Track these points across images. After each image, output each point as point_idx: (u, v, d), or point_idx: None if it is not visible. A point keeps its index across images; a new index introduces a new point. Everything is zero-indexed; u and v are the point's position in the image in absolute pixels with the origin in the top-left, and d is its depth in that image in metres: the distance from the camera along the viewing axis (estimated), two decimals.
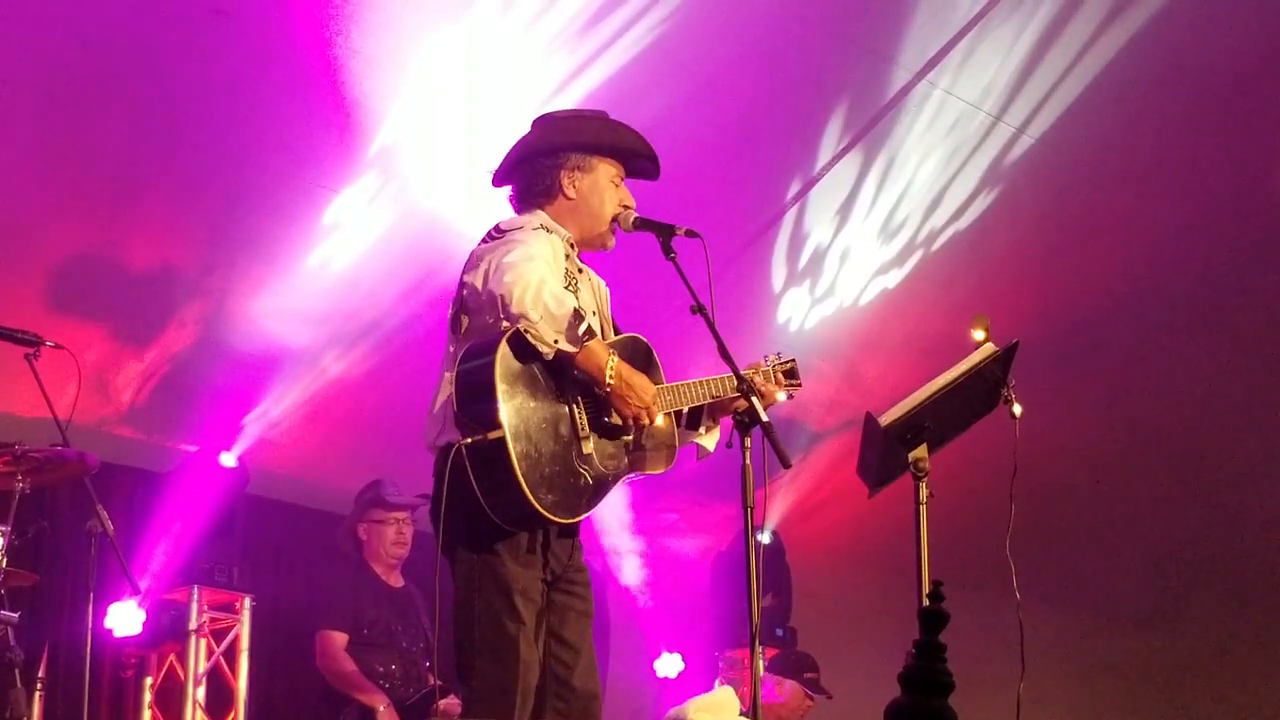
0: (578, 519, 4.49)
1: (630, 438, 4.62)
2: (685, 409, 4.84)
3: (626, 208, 4.86)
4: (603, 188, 4.85)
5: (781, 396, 5.08)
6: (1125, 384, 10.36)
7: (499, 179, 4.96)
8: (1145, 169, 8.81)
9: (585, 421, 4.49)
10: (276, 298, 8.34)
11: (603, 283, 4.97)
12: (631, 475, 4.70)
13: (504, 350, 4.32)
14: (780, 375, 5.06)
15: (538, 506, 4.28)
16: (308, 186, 7.95)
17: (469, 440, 4.28)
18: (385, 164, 7.84)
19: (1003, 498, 4.97)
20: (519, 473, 4.24)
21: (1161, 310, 9.70)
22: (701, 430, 4.95)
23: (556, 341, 4.30)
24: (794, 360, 5.19)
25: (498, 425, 4.25)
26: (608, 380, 4.39)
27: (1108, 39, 8.02)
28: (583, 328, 4.31)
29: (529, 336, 4.29)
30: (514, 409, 4.30)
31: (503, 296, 4.29)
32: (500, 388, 4.28)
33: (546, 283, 4.34)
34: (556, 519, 4.36)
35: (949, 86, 8.19)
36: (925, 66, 8.02)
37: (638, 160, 4.97)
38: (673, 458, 4.81)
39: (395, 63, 7.36)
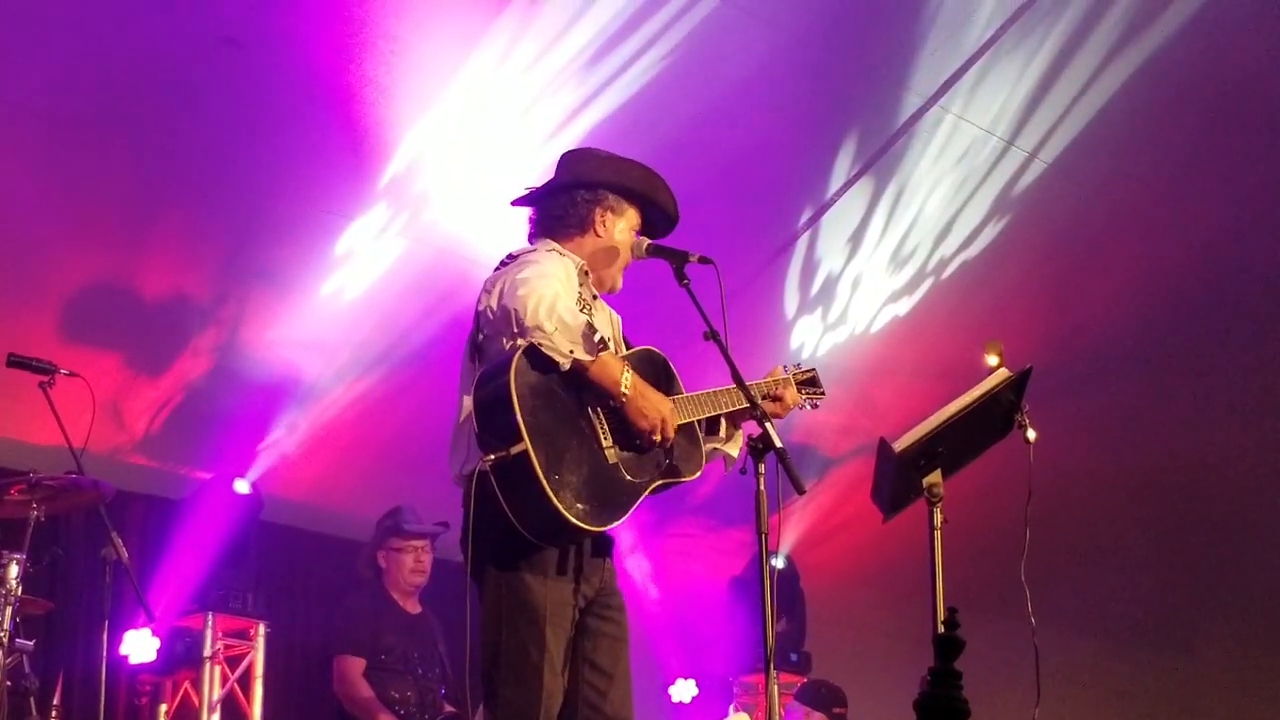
0: (608, 527, 4.46)
1: (658, 442, 4.59)
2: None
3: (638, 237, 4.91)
4: (626, 234, 4.91)
5: (807, 406, 5.16)
6: (1139, 409, 10.35)
7: (527, 199, 4.99)
8: (1157, 194, 8.82)
9: (608, 430, 4.49)
10: (290, 326, 8.37)
11: (614, 313, 5.01)
12: (663, 482, 4.66)
13: (519, 364, 4.33)
14: (799, 383, 5.13)
15: (567, 515, 4.26)
16: (320, 215, 7.97)
17: (491, 457, 4.27)
18: (398, 192, 7.86)
19: (1017, 523, 4.96)
20: (545, 483, 4.23)
21: (1174, 336, 9.70)
22: (722, 436, 4.96)
23: (572, 352, 4.32)
24: (814, 370, 5.25)
25: (519, 439, 4.24)
26: (623, 392, 4.41)
27: (1119, 65, 8.05)
28: (596, 338, 4.35)
29: (544, 349, 4.32)
30: (534, 421, 4.29)
31: (516, 310, 4.33)
32: (518, 401, 4.27)
33: (560, 296, 4.38)
34: (587, 527, 4.33)
35: (961, 111, 8.21)
36: (938, 92, 8.04)
37: (658, 220, 5.00)
38: (701, 463, 4.80)
39: (407, 91, 7.38)
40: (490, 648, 4.50)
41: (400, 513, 8.03)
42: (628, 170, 4.98)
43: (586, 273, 4.81)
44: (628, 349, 4.89)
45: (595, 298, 4.86)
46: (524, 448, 4.24)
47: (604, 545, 4.67)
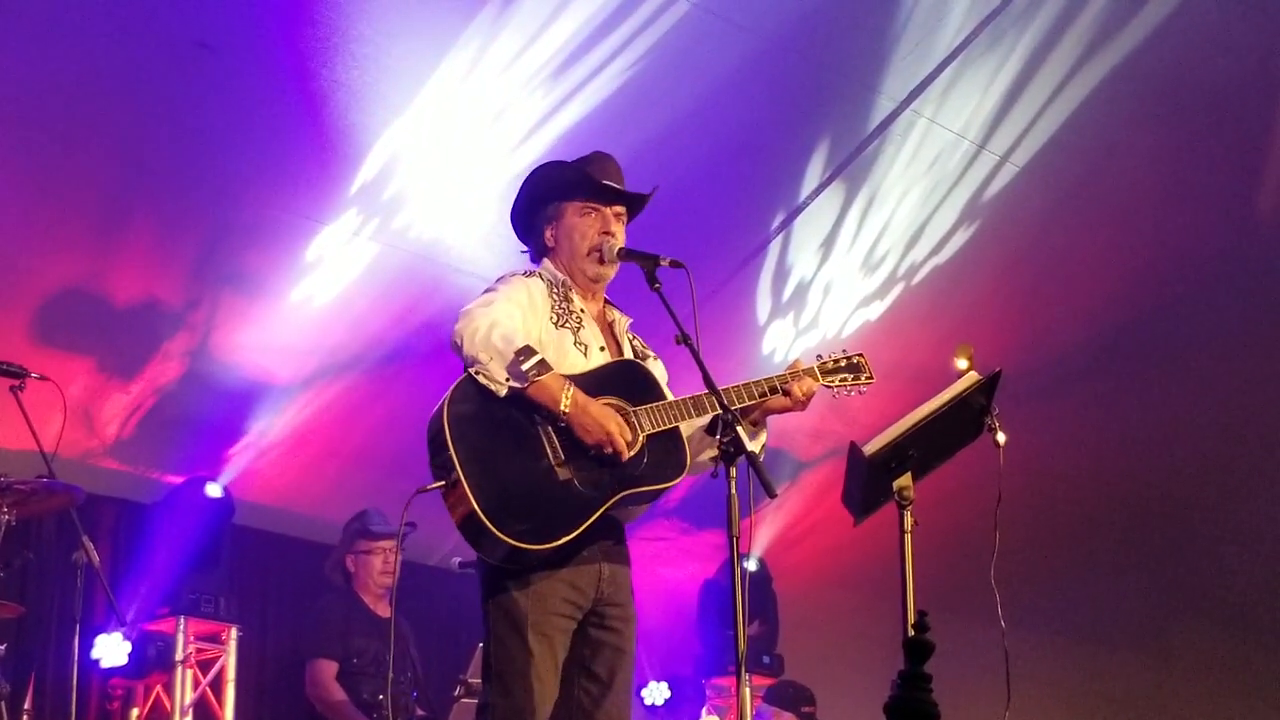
0: (554, 545, 4.49)
1: (631, 455, 4.62)
2: (702, 419, 4.77)
3: (607, 234, 4.90)
4: (572, 226, 4.93)
5: (850, 394, 5.09)
6: (1109, 413, 10.38)
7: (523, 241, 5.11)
8: (1127, 199, 8.86)
9: (558, 448, 4.55)
10: (261, 331, 8.35)
11: (622, 315, 5.05)
12: (635, 491, 4.66)
13: (451, 397, 4.52)
14: (828, 371, 5.03)
15: (504, 537, 4.40)
16: (293, 219, 7.96)
17: (430, 487, 4.52)
18: (369, 197, 7.85)
19: (987, 526, 4.97)
20: (478, 508, 4.38)
21: (1144, 339, 9.73)
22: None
23: (509, 379, 4.44)
24: (858, 356, 5.14)
25: (453, 468, 4.42)
26: (563, 410, 4.49)
27: (1090, 70, 8.08)
28: (529, 363, 4.43)
29: (480, 379, 4.48)
30: (467, 450, 4.45)
31: (455, 345, 4.57)
32: (449, 431, 4.46)
33: (496, 325, 4.52)
34: (526, 546, 4.43)
35: (933, 115, 8.23)
36: (910, 95, 8.06)
37: (599, 185, 4.95)
38: (681, 470, 4.77)
39: (379, 95, 7.38)
40: (487, 662, 4.66)
41: (367, 515, 8.04)
42: (552, 173, 5.03)
43: (568, 286, 4.88)
44: (634, 353, 4.97)
45: (584, 310, 4.89)
46: (456, 477, 4.41)
47: (598, 555, 4.71)
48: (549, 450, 4.54)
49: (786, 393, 4.89)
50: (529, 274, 4.86)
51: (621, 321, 5.04)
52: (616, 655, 4.77)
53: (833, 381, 5.05)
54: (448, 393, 4.52)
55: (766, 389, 4.86)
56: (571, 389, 4.52)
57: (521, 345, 4.48)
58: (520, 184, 5.07)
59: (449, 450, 4.43)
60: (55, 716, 7.93)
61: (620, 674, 4.78)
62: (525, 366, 4.43)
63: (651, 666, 10.62)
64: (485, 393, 4.49)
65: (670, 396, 4.81)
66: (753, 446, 4.64)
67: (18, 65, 6.83)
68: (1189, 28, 7.87)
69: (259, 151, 7.54)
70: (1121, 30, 7.92)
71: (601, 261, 4.90)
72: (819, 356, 5.10)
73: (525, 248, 5.08)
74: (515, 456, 4.51)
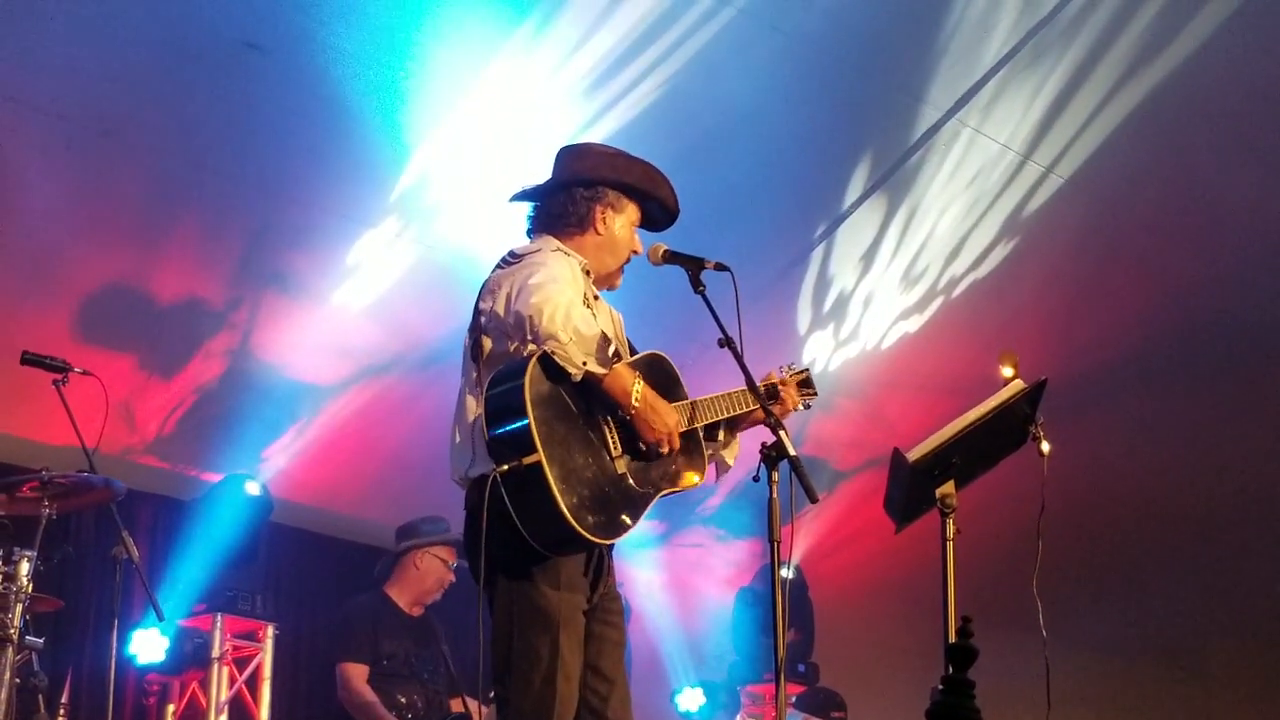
0: (618, 539, 4.44)
1: (666, 454, 4.57)
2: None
3: (636, 252, 4.88)
4: (627, 230, 4.87)
5: (803, 406, 5.19)
6: (1150, 427, 10.33)
7: (525, 195, 4.94)
8: (1172, 211, 8.81)
9: (617, 440, 4.46)
10: (302, 331, 8.39)
11: (615, 311, 4.96)
12: (673, 489, 4.63)
13: (533, 372, 4.29)
14: (796, 384, 5.16)
15: (579, 529, 4.21)
16: (336, 220, 7.99)
17: (505, 467, 4.23)
18: (412, 199, 7.88)
19: (1030, 535, 4.95)
20: (558, 496, 4.18)
21: (1186, 355, 9.68)
22: (720, 440, 4.91)
23: (585, 363, 4.27)
24: (807, 370, 5.28)
25: (533, 449, 4.19)
26: (633, 404, 4.38)
27: (1137, 81, 8.03)
28: (610, 350, 4.31)
29: (557, 358, 4.24)
30: (547, 432, 4.24)
31: (531, 318, 4.26)
32: (532, 411, 4.22)
33: (575, 305, 4.33)
34: (598, 539, 4.31)
35: (978, 125, 8.20)
36: (955, 105, 8.04)
37: (657, 214, 4.95)
38: (704, 468, 4.74)
39: (423, 100, 7.39)
40: (502, 656, 4.46)
41: (449, 524, 7.93)
42: (628, 168, 4.92)
43: (587, 271, 4.76)
44: (630, 350, 4.83)
45: (596, 297, 4.80)
46: (538, 459, 4.19)
47: (611, 552, 4.67)
48: (610, 441, 4.44)
49: (779, 400, 5.00)
50: (566, 252, 4.71)
51: (616, 315, 4.95)
52: (617, 650, 4.69)
53: (800, 393, 5.20)
54: (528, 368, 4.27)
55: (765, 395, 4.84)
56: (640, 382, 4.41)
57: (600, 330, 4.35)
58: (579, 148, 5.01)
59: (530, 429, 4.20)
60: (92, 711, 7.97)
61: (622, 667, 4.70)
62: (609, 352, 4.30)
63: (686, 672, 10.62)
64: (556, 373, 4.29)
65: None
66: (728, 457, 4.83)
67: (68, 62, 6.86)
68: (1236, 43, 7.83)
69: (304, 153, 7.57)
70: (1169, 44, 7.87)
71: (621, 272, 4.92)
72: (779, 368, 5.21)
73: (529, 205, 4.93)
74: (583, 444, 4.37)
